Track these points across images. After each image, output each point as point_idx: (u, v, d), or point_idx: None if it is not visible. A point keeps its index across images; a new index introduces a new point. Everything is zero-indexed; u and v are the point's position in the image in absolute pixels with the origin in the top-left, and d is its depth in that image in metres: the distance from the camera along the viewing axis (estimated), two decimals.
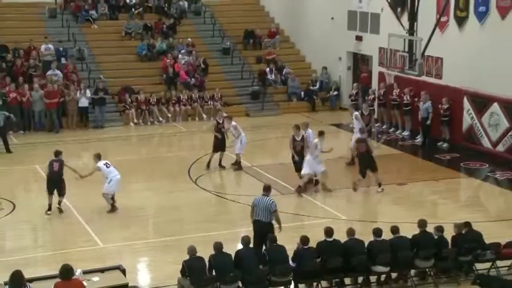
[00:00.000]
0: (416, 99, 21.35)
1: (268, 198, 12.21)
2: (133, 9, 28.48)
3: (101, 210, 15.43)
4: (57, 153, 15.57)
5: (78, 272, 10.04)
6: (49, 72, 24.13)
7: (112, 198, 15.33)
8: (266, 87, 26.34)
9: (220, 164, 18.46)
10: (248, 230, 13.55)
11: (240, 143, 18.30)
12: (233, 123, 18.52)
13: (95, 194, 16.52)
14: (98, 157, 15.55)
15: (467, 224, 12.14)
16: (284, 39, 29.23)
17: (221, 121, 18.64)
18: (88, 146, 21.96)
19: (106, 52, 26.82)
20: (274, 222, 12.16)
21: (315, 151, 16.36)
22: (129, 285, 10.47)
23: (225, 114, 19.22)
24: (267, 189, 12.46)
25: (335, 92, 26.35)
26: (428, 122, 20.52)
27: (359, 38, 25.16)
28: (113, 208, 15.27)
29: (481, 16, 19.92)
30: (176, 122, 24.38)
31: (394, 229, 11.67)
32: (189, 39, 27.44)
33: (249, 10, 30.41)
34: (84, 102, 23.40)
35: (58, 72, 24.22)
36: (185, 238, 13.46)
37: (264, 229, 11.93)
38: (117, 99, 24.75)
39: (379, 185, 16.52)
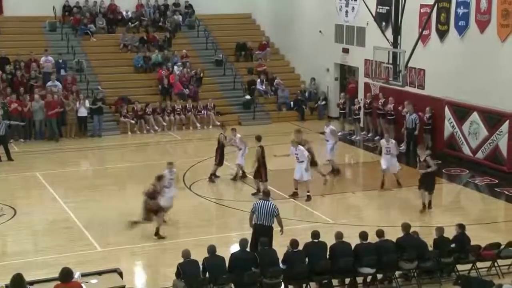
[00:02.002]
0: (400, 108, 21.42)
1: (269, 202, 12.27)
2: (129, 23, 28.53)
3: (99, 216, 15.41)
4: None
5: (77, 275, 10.03)
6: (49, 83, 24.12)
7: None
8: (256, 97, 26.39)
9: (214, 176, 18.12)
10: (240, 234, 13.62)
11: (242, 155, 17.81)
12: (238, 135, 18.23)
13: (93, 200, 16.55)
14: (169, 164, 15.04)
15: (461, 227, 12.22)
16: (274, 51, 29.35)
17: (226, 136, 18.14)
18: (87, 154, 21.98)
19: (104, 64, 26.84)
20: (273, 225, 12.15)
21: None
22: (126, 287, 10.47)
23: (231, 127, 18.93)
24: (267, 194, 12.59)
25: (323, 102, 26.47)
26: (416, 132, 20.48)
27: (345, 51, 25.30)
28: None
29: (461, 30, 20.10)
30: (171, 130, 24.41)
31: (380, 233, 11.74)
32: (184, 51, 27.52)
33: (241, 24, 30.50)
34: (83, 112, 23.38)
35: (57, 83, 24.23)
36: (180, 242, 13.48)
37: (265, 233, 11.95)
38: (114, 109, 24.76)
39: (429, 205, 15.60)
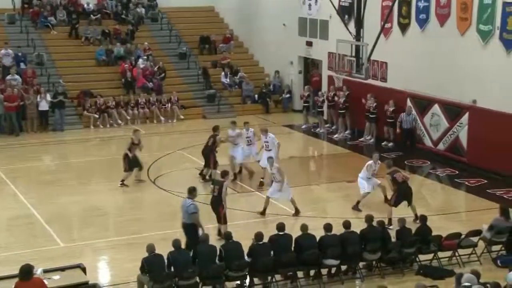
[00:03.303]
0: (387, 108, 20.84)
1: (189, 201, 12.11)
2: (91, 16, 28.13)
3: (61, 211, 15.21)
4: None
5: (38, 271, 9.88)
6: (8, 77, 23.68)
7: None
8: (210, 82, 26.27)
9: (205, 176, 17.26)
10: (205, 227, 13.59)
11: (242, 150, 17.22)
12: (238, 130, 17.43)
13: (55, 195, 16.32)
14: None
15: (422, 218, 12.40)
16: (238, 44, 29.29)
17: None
18: (48, 148, 21.65)
19: (65, 57, 26.43)
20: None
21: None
22: (89, 283, 10.35)
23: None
24: (190, 192, 12.32)
25: (287, 95, 26.54)
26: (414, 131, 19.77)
27: (309, 44, 25.39)
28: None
29: (422, 23, 20.34)
30: (135, 124, 24.19)
31: (347, 224, 11.81)
32: (145, 43, 27.27)
33: (205, 17, 30.35)
34: (44, 106, 23.02)
35: (17, 77, 23.82)
36: (144, 237, 13.39)
37: (187, 231, 11.98)
38: (76, 103, 24.43)
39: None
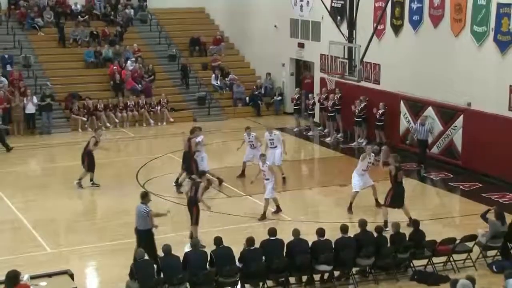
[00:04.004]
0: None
1: (143, 206, 11.97)
2: (79, 17, 28.02)
3: (48, 215, 15.08)
4: None
5: (25, 277, 9.77)
6: None
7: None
8: (188, 77, 26.32)
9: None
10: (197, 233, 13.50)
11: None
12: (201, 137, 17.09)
13: (42, 199, 16.20)
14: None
15: (415, 223, 12.36)
16: (229, 46, 29.24)
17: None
18: (35, 152, 21.51)
19: (53, 59, 26.29)
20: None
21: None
22: None
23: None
24: (143, 196, 12.19)
25: (279, 97, 26.51)
26: (430, 142, 18.72)
27: (301, 45, 25.38)
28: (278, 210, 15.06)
29: (415, 25, 20.37)
30: (124, 127, 24.09)
31: (345, 228, 11.73)
32: (135, 45, 27.19)
33: (195, 18, 30.29)
34: (31, 109, 22.91)
35: (3, 79, 23.70)
36: (133, 242, 13.25)
37: (142, 237, 11.84)
38: (64, 106, 24.29)
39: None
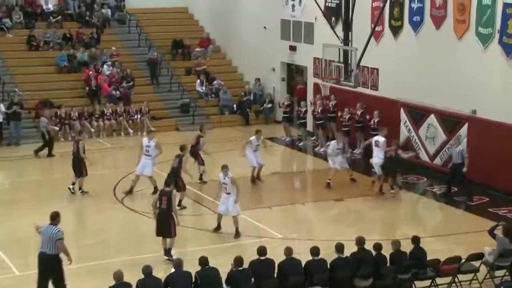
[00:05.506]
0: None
1: (53, 227, 11.68)
2: (51, 18, 28.02)
3: (16, 234, 14.99)
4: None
5: None
6: None
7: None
8: (157, 73, 26.55)
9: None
10: (177, 251, 13.51)
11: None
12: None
13: (9, 217, 16.11)
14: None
15: (415, 240, 12.38)
16: (215, 49, 29.33)
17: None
18: (2, 165, 21.40)
19: (22, 63, 26.27)
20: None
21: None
22: None
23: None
24: (52, 218, 11.84)
25: (269, 105, 26.58)
26: (465, 169, 17.44)
27: (293, 48, 25.50)
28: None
29: (416, 26, 20.53)
30: (100, 137, 24.05)
31: (339, 248, 11.73)
32: (113, 48, 27.20)
33: (177, 19, 30.40)
34: None
35: None
36: (110, 262, 13.25)
37: (49, 263, 11.57)
38: (34, 114, 24.24)
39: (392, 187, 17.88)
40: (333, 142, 18.82)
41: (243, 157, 18.57)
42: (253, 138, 18.70)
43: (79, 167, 17.82)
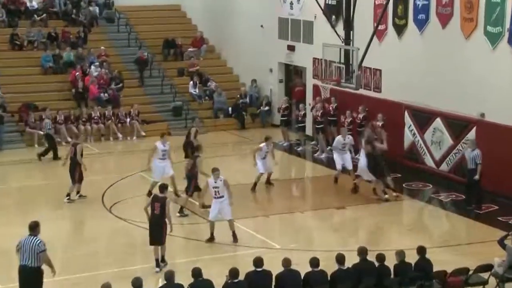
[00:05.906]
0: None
1: (35, 238, 11.67)
2: (35, 15, 28.03)
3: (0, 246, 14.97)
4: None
5: None
6: None
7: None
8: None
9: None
10: (168, 262, 13.48)
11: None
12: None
13: None
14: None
15: (421, 250, 12.36)
16: (209, 49, 29.39)
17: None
18: None
19: (4, 64, 26.26)
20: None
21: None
22: None
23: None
24: (32, 228, 11.84)
25: (266, 108, 26.61)
26: (476, 177, 17.11)
27: (291, 48, 25.55)
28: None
29: (421, 24, 20.57)
30: (87, 142, 24.01)
31: (340, 259, 11.71)
32: (101, 48, 27.22)
33: (169, 17, 30.44)
34: None
35: None
36: (98, 274, 13.23)
37: (30, 276, 11.54)
38: (17, 118, 24.23)
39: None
40: (338, 137, 19.33)
41: (254, 167, 18.59)
42: (263, 145, 18.68)
43: (73, 172, 17.76)
